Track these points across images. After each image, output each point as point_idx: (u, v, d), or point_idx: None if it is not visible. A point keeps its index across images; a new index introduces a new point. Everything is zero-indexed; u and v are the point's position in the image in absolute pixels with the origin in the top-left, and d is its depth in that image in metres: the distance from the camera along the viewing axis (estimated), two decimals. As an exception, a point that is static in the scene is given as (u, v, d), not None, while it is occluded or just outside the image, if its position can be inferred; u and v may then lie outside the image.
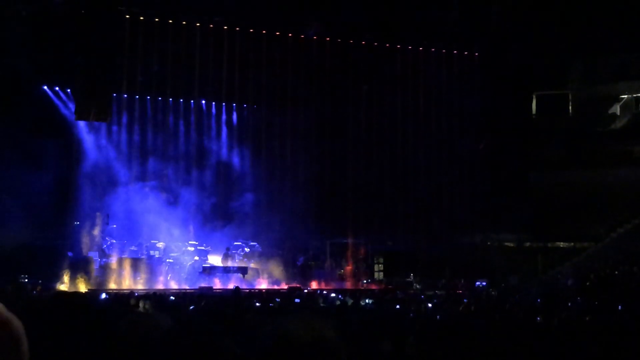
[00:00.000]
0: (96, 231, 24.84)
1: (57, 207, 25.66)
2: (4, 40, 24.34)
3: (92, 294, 18.83)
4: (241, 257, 26.22)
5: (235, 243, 26.63)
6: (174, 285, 23.98)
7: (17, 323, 1.85)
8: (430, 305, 15.97)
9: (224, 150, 29.85)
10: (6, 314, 1.84)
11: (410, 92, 31.90)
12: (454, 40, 31.60)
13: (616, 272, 25.49)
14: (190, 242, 25.89)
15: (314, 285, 25.56)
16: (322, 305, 16.23)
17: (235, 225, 27.45)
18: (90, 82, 24.96)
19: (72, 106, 26.72)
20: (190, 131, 29.40)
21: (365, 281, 27.01)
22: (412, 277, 27.88)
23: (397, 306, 15.59)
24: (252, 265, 25.95)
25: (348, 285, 26.31)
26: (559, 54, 33.57)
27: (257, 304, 14.58)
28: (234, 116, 30.40)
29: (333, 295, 19.97)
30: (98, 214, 25.22)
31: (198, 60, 28.61)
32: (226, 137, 30.09)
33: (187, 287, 23.41)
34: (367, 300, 17.64)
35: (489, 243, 31.98)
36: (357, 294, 21.52)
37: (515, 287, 25.43)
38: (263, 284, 24.97)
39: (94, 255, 24.31)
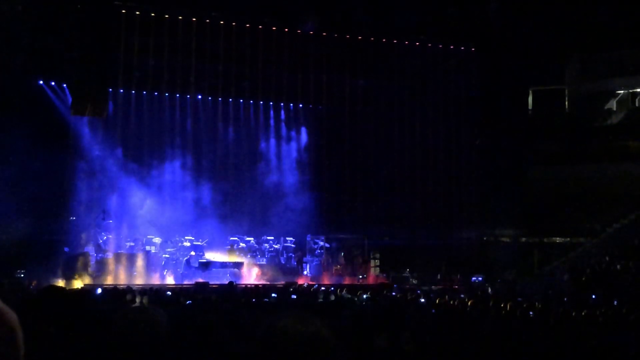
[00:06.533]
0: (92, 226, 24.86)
1: (53, 202, 25.62)
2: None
3: (88, 289, 18.82)
4: (239, 252, 26.25)
5: (232, 238, 26.66)
6: (170, 281, 23.98)
7: (12, 314, 1.85)
8: (426, 300, 15.98)
9: (220, 145, 29.81)
10: (1, 306, 1.84)
11: (406, 87, 31.91)
12: (450, 35, 31.61)
13: (612, 267, 25.53)
14: (186, 237, 25.88)
15: (310, 280, 25.53)
16: (318, 300, 16.25)
17: (231, 220, 27.47)
18: (87, 77, 24.88)
19: (68, 101, 26.67)
20: (187, 126, 29.36)
21: (361, 276, 27.00)
22: (408, 272, 27.89)
23: (393, 301, 15.60)
24: (248, 260, 25.97)
25: (345, 280, 26.30)
26: (556, 49, 33.56)
27: (253, 300, 14.58)
28: (231, 111, 30.35)
29: (329, 290, 19.95)
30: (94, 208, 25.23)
31: (194, 55, 28.61)
32: (222, 131, 30.06)
33: (184, 282, 23.40)
34: (363, 295, 17.64)
35: (485, 238, 32.03)
36: (354, 289, 21.51)
37: (512, 282, 25.46)
38: (259, 279, 24.96)
39: (90, 250, 24.31)
